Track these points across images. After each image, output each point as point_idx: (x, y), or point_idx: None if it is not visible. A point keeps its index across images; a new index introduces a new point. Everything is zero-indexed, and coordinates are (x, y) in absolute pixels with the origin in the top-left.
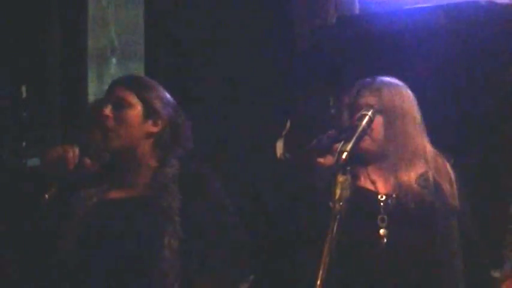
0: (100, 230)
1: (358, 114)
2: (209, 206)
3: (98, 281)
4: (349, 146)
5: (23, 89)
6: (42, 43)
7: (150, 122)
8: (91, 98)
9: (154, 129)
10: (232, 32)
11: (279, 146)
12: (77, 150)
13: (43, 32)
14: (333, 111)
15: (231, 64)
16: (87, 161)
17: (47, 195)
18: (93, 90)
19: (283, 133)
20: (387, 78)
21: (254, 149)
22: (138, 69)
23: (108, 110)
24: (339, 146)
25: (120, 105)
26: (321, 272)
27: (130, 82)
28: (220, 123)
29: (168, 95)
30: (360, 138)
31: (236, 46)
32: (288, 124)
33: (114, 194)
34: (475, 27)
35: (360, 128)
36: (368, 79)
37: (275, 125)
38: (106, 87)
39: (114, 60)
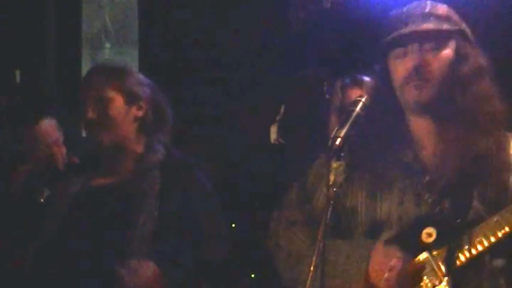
0: (81, 216)
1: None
2: (189, 197)
3: (76, 261)
4: (343, 132)
5: (17, 73)
6: (36, 28)
7: (134, 107)
8: None
9: (140, 113)
10: (227, 16)
11: (273, 131)
12: (64, 150)
13: (37, 16)
14: (327, 96)
15: (226, 48)
16: (75, 159)
17: (42, 199)
18: None
19: (277, 118)
20: (367, 77)
21: (248, 134)
22: (132, 53)
23: (91, 112)
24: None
25: (101, 104)
26: (314, 257)
27: (103, 75)
28: (214, 107)
29: (141, 76)
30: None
31: (231, 30)
32: (282, 109)
33: (98, 181)
34: (470, 11)
35: (354, 114)
36: (349, 78)
37: (269, 110)
38: None
39: (108, 44)
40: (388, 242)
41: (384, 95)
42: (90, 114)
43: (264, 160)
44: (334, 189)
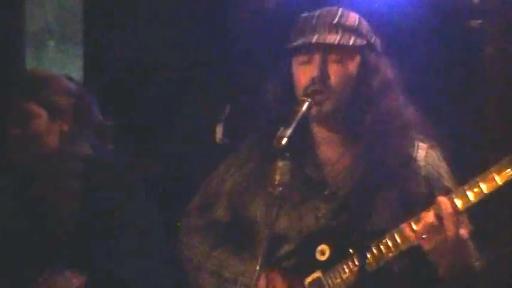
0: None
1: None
2: (116, 200)
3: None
4: (288, 132)
5: None
6: None
7: (58, 122)
8: None
9: (64, 127)
10: (170, 16)
11: (218, 131)
12: None
13: None
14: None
15: (170, 47)
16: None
17: None
18: None
19: (223, 118)
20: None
21: (194, 133)
22: (76, 52)
23: (14, 129)
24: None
25: (25, 120)
26: (260, 257)
27: (26, 88)
28: (159, 107)
29: (64, 82)
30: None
31: (175, 31)
32: (227, 109)
33: (29, 194)
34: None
35: (299, 114)
36: None
37: (215, 110)
38: None
39: (51, 42)
40: (284, 258)
41: (286, 98)
42: (14, 130)
43: (209, 160)
44: (280, 189)
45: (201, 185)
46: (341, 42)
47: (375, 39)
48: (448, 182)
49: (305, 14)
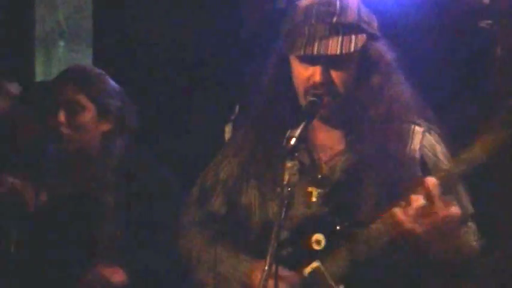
0: (48, 225)
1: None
2: (155, 199)
3: (45, 267)
4: (297, 132)
5: None
6: None
7: (103, 121)
8: (38, 81)
9: (107, 127)
10: (181, 16)
11: (228, 130)
12: (31, 190)
13: None
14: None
15: (180, 48)
16: (44, 197)
17: (12, 247)
18: (41, 73)
19: (232, 117)
20: None
21: (204, 133)
22: (86, 52)
23: (61, 116)
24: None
25: (73, 110)
26: (268, 258)
27: (78, 80)
28: (169, 108)
29: (112, 83)
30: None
31: (185, 30)
32: (237, 108)
33: (63, 189)
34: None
35: (308, 115)
36: None
37: (224, 109)
38: (54, 70)
39: (62, 43)
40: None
41: (283, 89)
42: (61, 118)
43: None
44: (289, 189)
45: (198, 177)
46: (343, 52)
47: (374, 25)
48: (445, 164)
49: (301, 2)
